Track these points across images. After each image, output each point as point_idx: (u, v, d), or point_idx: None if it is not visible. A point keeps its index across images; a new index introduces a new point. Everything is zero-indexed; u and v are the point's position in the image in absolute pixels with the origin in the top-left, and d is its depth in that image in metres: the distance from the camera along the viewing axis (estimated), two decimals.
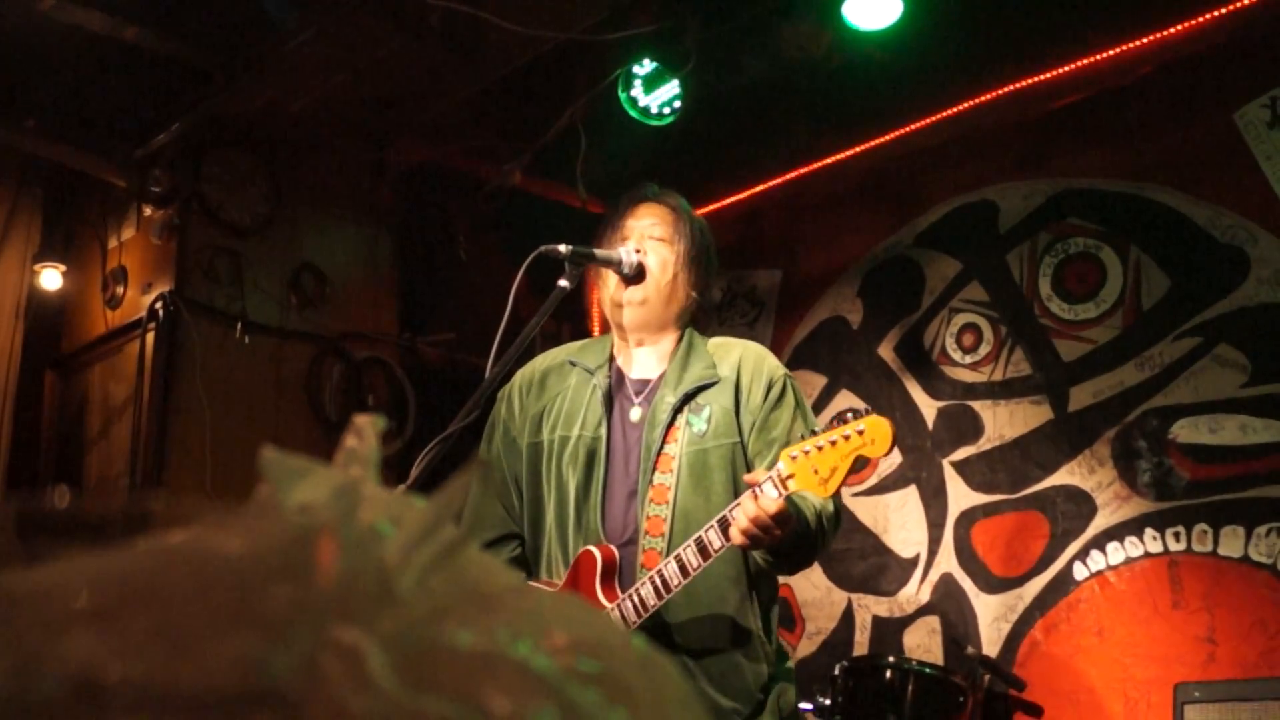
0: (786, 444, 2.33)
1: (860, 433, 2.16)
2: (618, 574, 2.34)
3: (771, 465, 2.27)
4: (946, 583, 4.48)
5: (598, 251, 2.47)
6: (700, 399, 2.41)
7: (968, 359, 4.60)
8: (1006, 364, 4.49)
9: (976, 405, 4.51)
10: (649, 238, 2.48)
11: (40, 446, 5.22)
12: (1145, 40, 4.19)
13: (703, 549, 2.22)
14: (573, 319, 5.98)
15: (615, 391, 2.50)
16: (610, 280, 2.50)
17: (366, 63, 4.44)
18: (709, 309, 2.64)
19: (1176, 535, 3.94)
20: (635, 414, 2.46)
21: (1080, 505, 4.18)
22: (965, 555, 4.45)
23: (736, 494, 2.36)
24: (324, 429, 5.00)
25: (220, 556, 0.41)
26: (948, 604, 4.46)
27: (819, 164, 5.11)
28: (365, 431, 0.60)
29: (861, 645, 4.66)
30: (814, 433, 2.22)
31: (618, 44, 4.46)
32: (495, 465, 2.55)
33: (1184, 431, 3.98)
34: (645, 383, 2.49)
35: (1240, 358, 3.91)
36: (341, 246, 5.29)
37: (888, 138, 4.87)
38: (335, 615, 0.42)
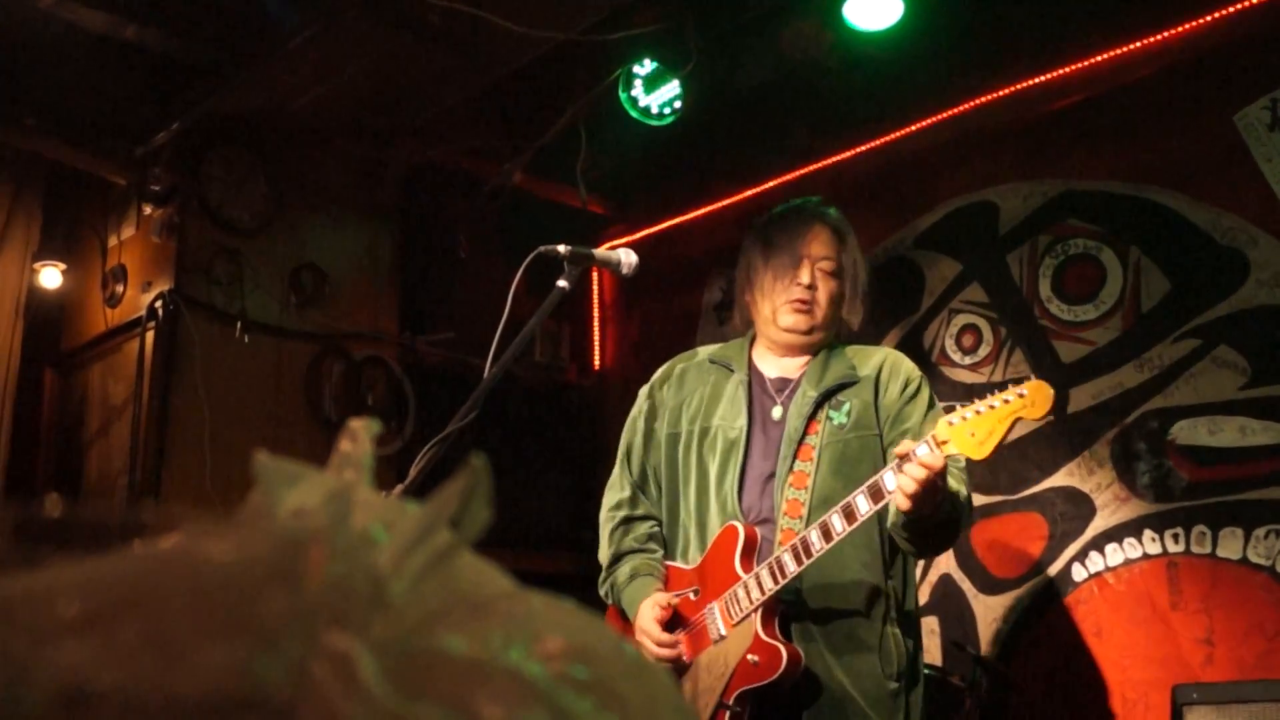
0: (920, 434, 2.44)
1: (1021, 395, 2.23)
2: (757, 550, 2.44)
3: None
4: (945, 583, 4.48)
5: (596, 252, 2.48)
6: (841, 395, 2.54)
7: (967, 360, 4.60)
8: (1006, 365, 4.49)
9: None
10: (822, 271, 2.59)
11: (40, 445, 5.22)
12: (1145, 42, 4.19)
13: (849, 513, 2.29)
14: (572, 319, 5.98)
15: (755, 390, 2.62)
16: (775, 293, 2.57)
17: (367, 62, 4.44)
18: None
19: (1175, 537, 3.93)
20: (776, 412, 2.57)
21: (1079, 507, 4.17)
22: (964, 556, 4.45)
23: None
24: (323, 428, 5.00)
25: (210, 563, 0.41)
26: (946, 605, 4.46)
27: (819, 165, 5.10)
28: (360, 435, 0.60)
29: None
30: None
31: (618, 44, 4.46)
32: (635, 455, 2.72)
33: (1183, 433, 3.98)
34: (785, 381, 2.62)
35: (1240, 360, 3.91)
36: (341, 246, 5.28)
37: (888, 139, 4.87)
38: (326, 621, 0.42)
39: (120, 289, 5.02)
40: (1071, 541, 4.17)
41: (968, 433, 2.23)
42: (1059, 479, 4.24)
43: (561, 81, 4.90)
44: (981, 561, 4.40)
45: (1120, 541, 4.05)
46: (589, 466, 5.83)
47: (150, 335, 4.75)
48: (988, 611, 4.33)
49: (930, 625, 4.49)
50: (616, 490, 2.73)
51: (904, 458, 2.22)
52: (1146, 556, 3.99)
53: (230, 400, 4.79)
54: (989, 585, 4.36)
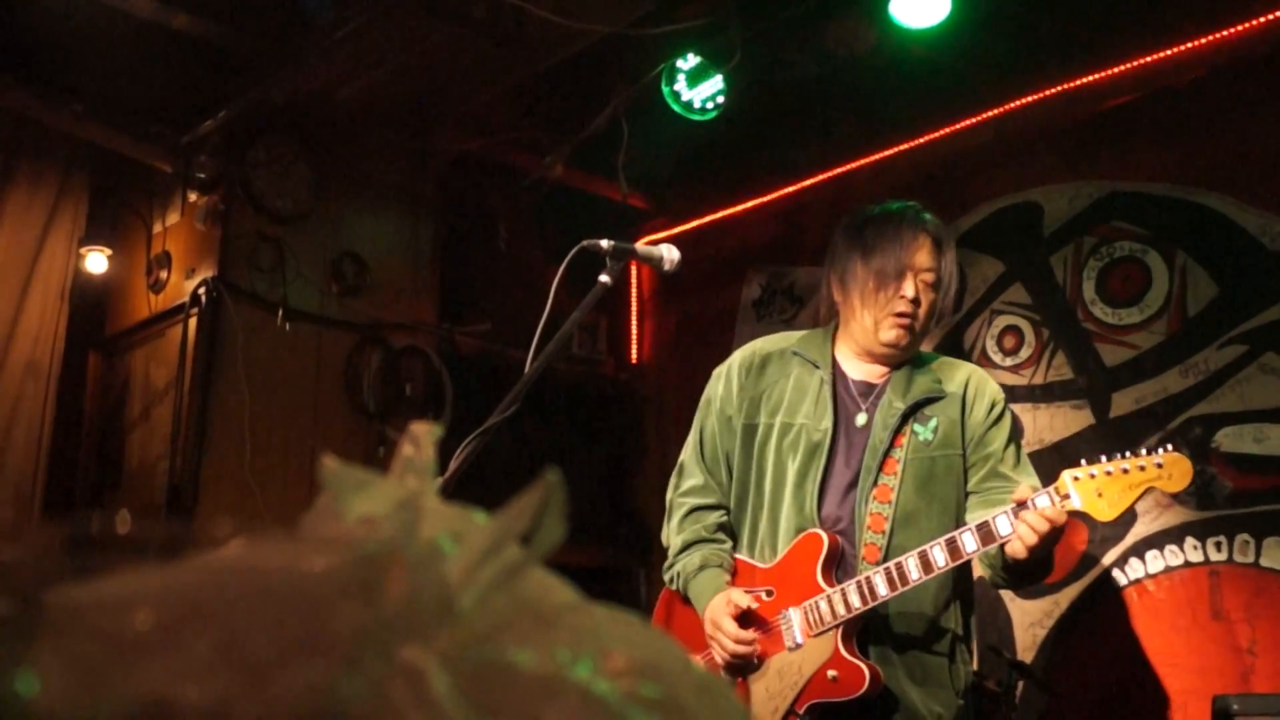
0: (1001, 460, 2.47)
1: (1159, 466, 2.19)
2: (838, 562, 2.42)
3: (980, 477, 2.45)
4: (982, 587, 4.44)
5: (639, 248, 2.46)
6: (927, 410, 2.51)
7: (1008, 361, 4.55)
8: (1048, 367, 4.44)
9: (1016, 408, 4.47)
10: (924, 284, 2.54)
11: (82, 428, 5.29)
12: (1199, 42, 4.13)
13: (954, 550, 2.27)
14: (610, 312, 5.98)
15: (840, 391, 2.58)
16: (878, 304, 2.51)
17: (411, 53, 4.45)
18: None
19: (1218, 545, 3.88)
20: (860, 419, 2.54)
21: None
22: None
23: (958, 503, 2.47)
24: (362, 417, 5.03)
25: (287, 574, 0.41)
26: (983, 608, 4.41)
27: (862, 162, 5.07)
28: (422, 441, 0.60)
29: None
30: (1084, 465, 2.24)
31: (662, 38, 4.44)
32: (710, 439, 2.67)
33: (1228, 440, 3.92)
34: (869, 386, 2.58)
35: None
36: (383, 235, 5.31)
37: (932, 136, 4.83)
38: (401, 636, 0.41)
39: (164, 275, 5.07)
40: (1112, 547, 4.12)
41: (1094, 491, 2.18)
42: None
43: (604, 75, 4.90)
44: None
45: (1161, 549, 4.00)
46: (625, 460, 5.82)
47: (193, 321, 4.79)
48: (1025, 616, 4.29)
49: None
50: (688, 474, 2.69)
51: (1021, 504, 2.18)
52: (1188, 564, 3.94)
53: (270, 387, 4.83)
54: (1027, 590, 4.31)
